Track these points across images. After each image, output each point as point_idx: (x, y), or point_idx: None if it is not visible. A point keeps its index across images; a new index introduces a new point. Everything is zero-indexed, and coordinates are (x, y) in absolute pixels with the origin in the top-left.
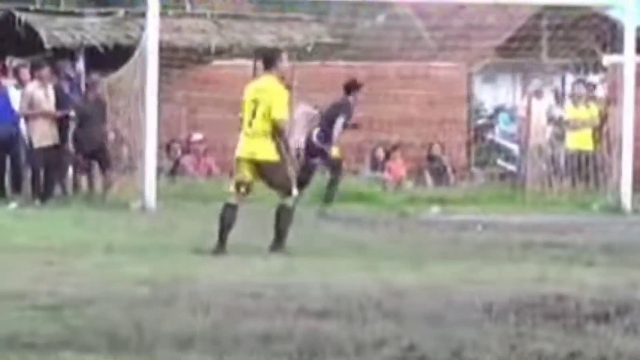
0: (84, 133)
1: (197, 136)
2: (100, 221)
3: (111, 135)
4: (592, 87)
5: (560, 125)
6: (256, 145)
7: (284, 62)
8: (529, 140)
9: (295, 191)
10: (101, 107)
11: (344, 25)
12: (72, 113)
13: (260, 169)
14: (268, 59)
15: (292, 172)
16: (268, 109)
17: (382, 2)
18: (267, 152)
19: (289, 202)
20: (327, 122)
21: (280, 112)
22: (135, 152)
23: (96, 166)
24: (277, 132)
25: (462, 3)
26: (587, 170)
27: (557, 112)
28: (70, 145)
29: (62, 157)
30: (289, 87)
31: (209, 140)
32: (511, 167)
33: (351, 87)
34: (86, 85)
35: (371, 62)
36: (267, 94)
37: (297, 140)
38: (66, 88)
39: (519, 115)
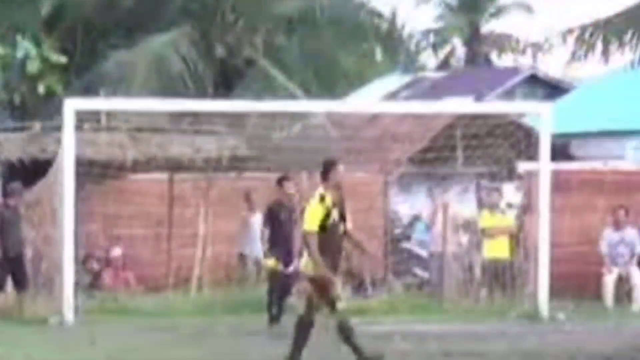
0: (3, 239)
1: (116, 250)
2: (18, 336)
3: (29, 251)
4: (501, 194)
5: (475, 233)
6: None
7: (339, 173)
8: (438, 248)
9: (341, 304)
10: (18, 219)
11: (259, 136)
12: None
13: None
14: (324, 169)
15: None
16: None
17: (297, 113)
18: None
19: (340, 316)
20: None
21: (307, 224)
22: (53, 267)
23: (10, 280)
24: (305, 244)
25: (376, 113)
26: (504, 278)
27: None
28: None
29: None
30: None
31: (127, 254)
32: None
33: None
34: (6, 192)
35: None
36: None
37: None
38: None
39: (430, 224)
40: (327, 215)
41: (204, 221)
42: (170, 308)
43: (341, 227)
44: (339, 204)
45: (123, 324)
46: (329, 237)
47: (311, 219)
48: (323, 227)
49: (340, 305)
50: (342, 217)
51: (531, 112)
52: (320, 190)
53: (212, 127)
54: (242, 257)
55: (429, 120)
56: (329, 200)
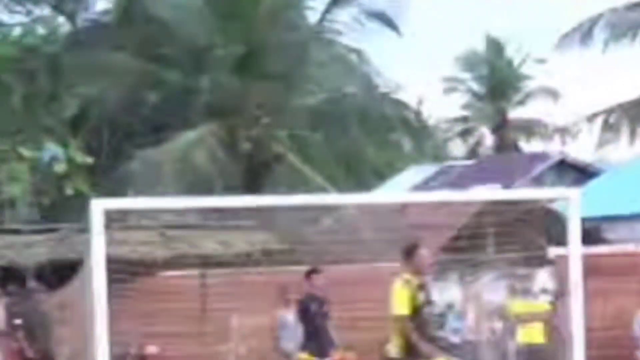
0: (31, 345)
1: (151, 348)
2: None
3: (65, 349)
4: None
5: (507, 320)
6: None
7: (422, 256)
8: (471, 335)
9: None
10: (45, 319)
11: (289, 231)
12: (18, 322)
13: None
14: (406, 253)
15: None
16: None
17: (327, 206)
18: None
19: None
20: None
21: (396, 309)
22: None
23: None
24: (396, 329)
25: (405, 203)
26: None
27: (498, 305)
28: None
29: None
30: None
31: (162, 351)
32: None
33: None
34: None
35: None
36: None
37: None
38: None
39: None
40: (413, 297)
41: (237, 316)
42: None
43: (428, 310)
44: (425, 287)
45: None
46: (417, 319)
47: (399, 303)
48: (412, 310)
49: None
50: (429, 301)
51: (560, 197)
52: (403, 274)
53: (240, 222)
54: (283, 353)
55: (458, 208)
56: (413, 282)
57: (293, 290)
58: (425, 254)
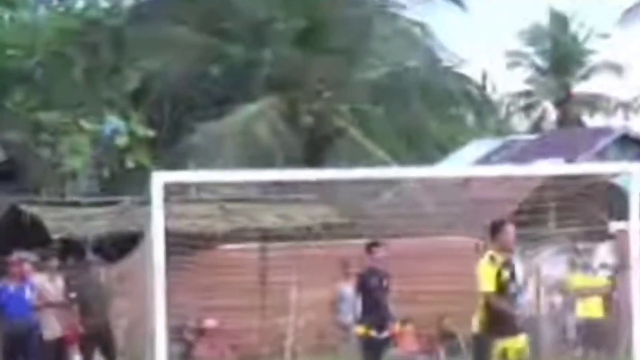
0: (86, 318)
1: (209, 321)
2: None
3: (124, 322)
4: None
5: (568, 294)
6: None
7: (508, 233)
8: (531, 309)
9: None
10: (102, 292)
11: (350, 204)
12: (73, 295)
13: None
14: (492, 230)
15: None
16: None
17: (389, 180)
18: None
19: None
20: None
21: (482, 285)
22: (145, 339)
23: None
24: (482, 305)
25: (468, 177)
26: (599, 338)
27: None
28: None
29: (67, 349)
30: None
31: (221, 324)
32: None
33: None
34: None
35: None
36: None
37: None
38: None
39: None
40: (499, 274)
41: (297, 290)
42: None
43: (512, 287)
44: (509, 265)
45: None
46: (502, 296)
47: (486, 279)
48: (497, 287)
49: None
50: (513, 277)
51: (622, 171)
52: (489, 251)
53: (301, 195)
54: (341, 325)
55: (520, 183)
56: (499, 259)
57: (354, 264)
58: (511, 230)
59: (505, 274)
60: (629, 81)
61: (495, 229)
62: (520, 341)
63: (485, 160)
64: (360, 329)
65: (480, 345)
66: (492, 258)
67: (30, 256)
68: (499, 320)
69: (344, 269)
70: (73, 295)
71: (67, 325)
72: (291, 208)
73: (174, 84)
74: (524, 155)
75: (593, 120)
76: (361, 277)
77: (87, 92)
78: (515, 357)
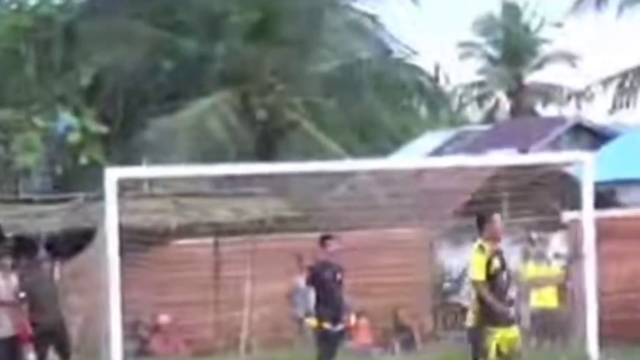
0: (39, 315)
1: (163, 318)
2: None
3: (78, 319)
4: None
5: (522, 284)
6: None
7: (495, 223)
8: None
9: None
10: (55, 289)
11: (303, 198)
12: (22, 295)
13: None
14: (479, 221)
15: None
16: None
17: (342, 172)
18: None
19: None
20: None
21: (473, 274)
22: (101, 335)
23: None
24: (476, 294)
25: (421, 169)
26: (553, 327)
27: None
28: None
29: (21, 347)
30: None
31: (175, 320)
32: None
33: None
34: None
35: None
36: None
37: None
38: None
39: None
40: (489, 263)
41: (251, 284)
42: None
43: (504, 276)
44: (499, 254)
45: None
46: (493, 285)
47: (476, 269)
48: (487, 276)
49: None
50: (503, 266)
51: (574, 161)
52: (479, 241)
53: (254, 189)
54: (295, 318)
55: (473, 173)
56: (488, 249)
57: (308, 257)
58: (498, 220)
59: (496, 263)
60: (581, 70)
61: (484, 219)
62: (512, 331)
63: (439, 151)
64: (313, 322)
65: (477, 338)
66: (481, 247)
67: None
68: (491, 311)
69: (298, 262)
70: (22, 294)
71: (18, 323)
72: (244, 202)
73: (127, 78)
74: (477, 145)
75: (546, 110)
76: (313, 270)
77: (39, 89)
78: (508, 348)
